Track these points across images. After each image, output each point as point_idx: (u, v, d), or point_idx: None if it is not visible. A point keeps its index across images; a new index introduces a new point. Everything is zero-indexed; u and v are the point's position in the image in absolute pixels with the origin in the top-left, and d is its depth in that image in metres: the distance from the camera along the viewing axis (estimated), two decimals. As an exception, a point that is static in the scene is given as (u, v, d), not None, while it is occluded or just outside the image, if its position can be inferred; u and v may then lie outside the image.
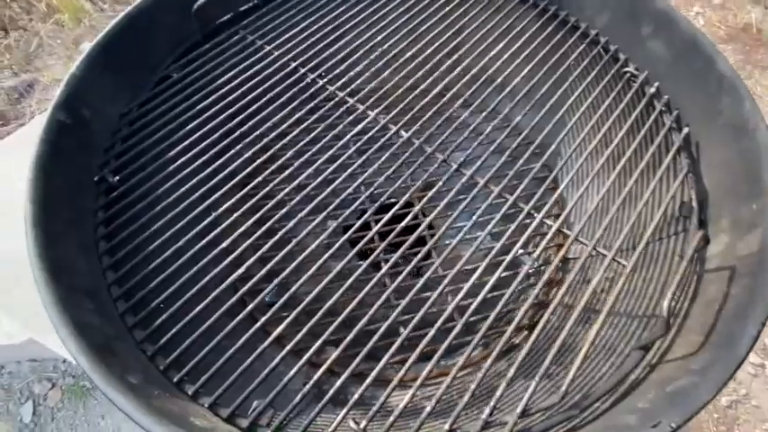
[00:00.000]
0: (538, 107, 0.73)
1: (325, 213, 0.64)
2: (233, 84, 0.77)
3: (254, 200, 0.67)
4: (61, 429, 1.25)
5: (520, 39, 0.82)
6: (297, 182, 0.68)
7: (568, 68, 0.79)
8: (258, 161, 0.70)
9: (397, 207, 0.65)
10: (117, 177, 0.68)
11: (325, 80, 0.77)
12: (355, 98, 0.75)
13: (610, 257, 0.56)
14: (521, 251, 0.83)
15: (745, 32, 2.14)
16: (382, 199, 0.64)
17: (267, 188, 0.68)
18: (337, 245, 0.61)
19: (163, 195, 0.66)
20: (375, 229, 0.63)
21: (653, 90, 0.74)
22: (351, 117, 0.74)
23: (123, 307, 0.58)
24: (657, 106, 0.72)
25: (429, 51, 0.81)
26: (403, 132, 0.70)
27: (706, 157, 0.66)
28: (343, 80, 0.77)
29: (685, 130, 0.69)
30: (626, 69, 0.78)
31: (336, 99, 0.75)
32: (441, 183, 0.64)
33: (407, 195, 0.66)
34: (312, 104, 0.75)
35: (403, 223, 0.62)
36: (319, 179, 0.68)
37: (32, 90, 2.00)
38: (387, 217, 0.63)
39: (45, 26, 2.13)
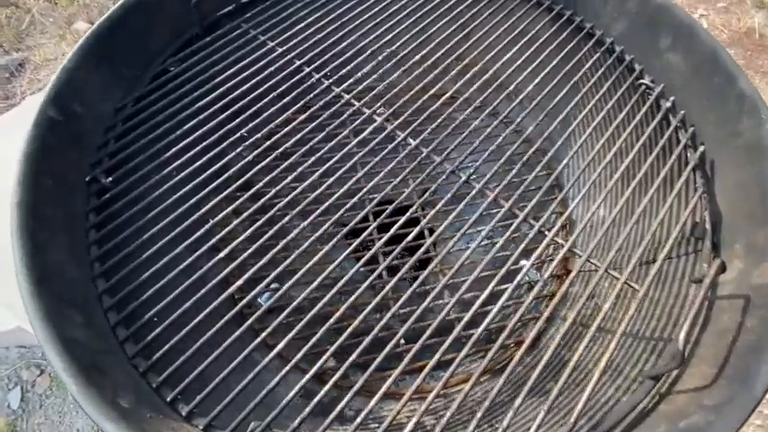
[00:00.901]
0: (550, 117, 0.70)
1: (323, 229, 0.60)
2: (233, 81, 0.73)
3: (253, 207, 0.63)
4: (49, 416, 1.22)
5: (533, 44, 0.78)
6: (297, 191, 0.64)
7: (582, 77, 0.76)
8: (258, 167, 0.66)
9: (400, 223, 0.61)
10: (110, 178, 0.64)
11: (331, 81, 0.73)
12: (361, 102, 0.71)
13: (622, 281, 0.54)
14: (532, 271, 0.81)
15: (748, 37, 2.11)
16: (383, 216, 0.61)
17: (266, 197, 0.64)
18: (337, 261, 0.58)
19: (159, 198, 0.62)
20: (376, 247, 0.60)
21: (668, 104, 0.71)
22: (356, 123, 0.70)
23: (115, 318, 0.54)
24: (673, 122, 0.69)
25: (439, 54, 0.77)
26: (411, 140, 0.67)
27: (721, 178, 0.64)
28: (349, 81, 0.73)
29: (701, 148, 0.66)
30: (641, 81, 0.75)
31: (342, 102, 0.71)
32: (449, 195, 0.61)
33: (412, 210, 0.63)
34: (316, 107, 0.71)
35: (404, 242, 0.59)
36: (320, 190, 0.64)
37: (23, 69, 1.92)
38: (388, 235, 0.60)
39: (38, 3, 2.04)
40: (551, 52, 0.77)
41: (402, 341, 0.58)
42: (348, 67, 0.74)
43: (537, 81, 0.74)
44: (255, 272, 0.58)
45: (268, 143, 0.68)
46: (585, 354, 0.63)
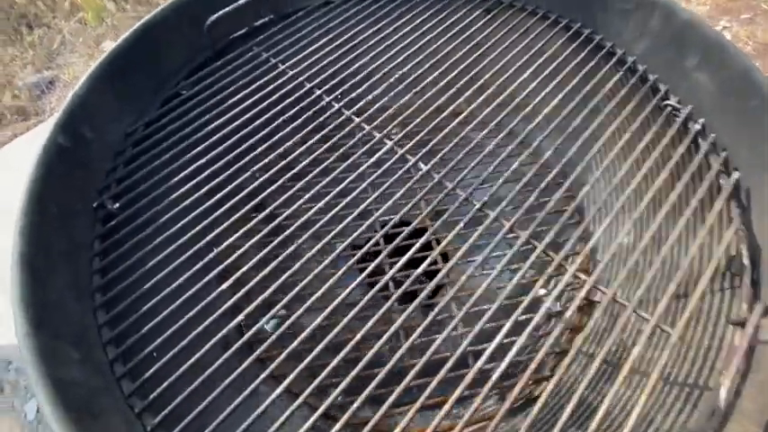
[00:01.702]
0: (570, 140, 0.65)
1: (333, 256, 0.57)
2: (245, 104, 0.71)
3: (259, 235, 0.60)
4: (66, 431, 1.21)
5: (551, 63, 0.74)
6: (306, 217, 0.61)
7: (603, 97, 0.71)
8: (266, 192, 0.63)
9: (412, 252, 0.57)
10: (117, 204, 0.62)
11: (342, 104, 0.70)
12: (372, 125, 0.68)
13: (653, 324, 0.49)
14: (551, 305, 0.76)
15: (774, 50, 2.02)
16: (396, 241, 0.57)
17: (274, 223, 0.61)
18: (349, 289, 0.54)
19: (166, 224, 0.60)
20: (388, 275, 0.56)
21: (698, 127, 0.65)
22: (366, 146, 0.66)
23: (113, 353, 0.51)
24: (703, 145, 0.63)
25: (453, 74, 0.74)
26: (422, 165, 0.63)
27: (759, 208, 0.58)
28: (360, 104, 0.70)
29: (735, 174, 0.60)
30: (667, 102, 0.69)
31: (352, 125, 0.68)
32: (461, 224, 0.57)
33: (424, 238, 0.59)
34: (326, 130, 0.68)
35: (416, 273, 0.55)
36: (330, 214, 0.61)
37: (53, 87, 1.96)
38: (399, 263, 0.56)
39: (68, 24, 2.08)
40: (570, 72, 0.72)
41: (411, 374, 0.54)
42: (359, 90, 0.71)
43: (555, 102, 0.69)
44: (263, 297, 0.55)
45: (276, 168, 0.65)
46: (615, 401, 0.58)
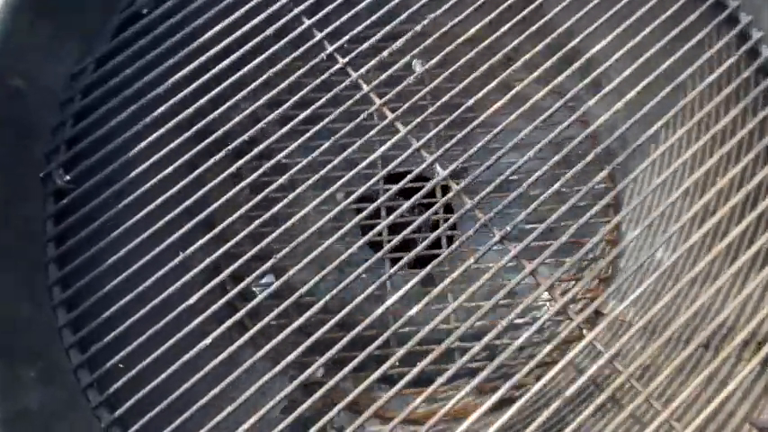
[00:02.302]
0: (630, 107, 0.50)
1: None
2: (225, 24, 0.54)
3: (251, 227, 0.50)
4: None
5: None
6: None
7: (694, 57, 0.53)
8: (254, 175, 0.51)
9: (418, 279, 0.48)
10: (67, 177, 0.51)
11: (346, 60, 0.53)
12: (384, 99, 0.51)
13: (663, 418, 0.41)
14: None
15: None
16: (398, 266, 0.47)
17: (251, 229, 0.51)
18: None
19: (137, 202, 0.50)
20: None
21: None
22: (369, 134, 0.51)
23: (78, 359, 0.47)
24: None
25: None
26: (439, 169, 0.49)
27: None
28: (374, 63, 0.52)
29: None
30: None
31: (359, 95, 0.52)
32: (472, 262, 0.46)
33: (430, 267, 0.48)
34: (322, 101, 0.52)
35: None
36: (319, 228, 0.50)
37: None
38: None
39: None
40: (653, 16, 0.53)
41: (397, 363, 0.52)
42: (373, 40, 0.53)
43: (623, 52, 0.52)
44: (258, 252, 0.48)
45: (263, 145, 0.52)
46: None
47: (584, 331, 0.45)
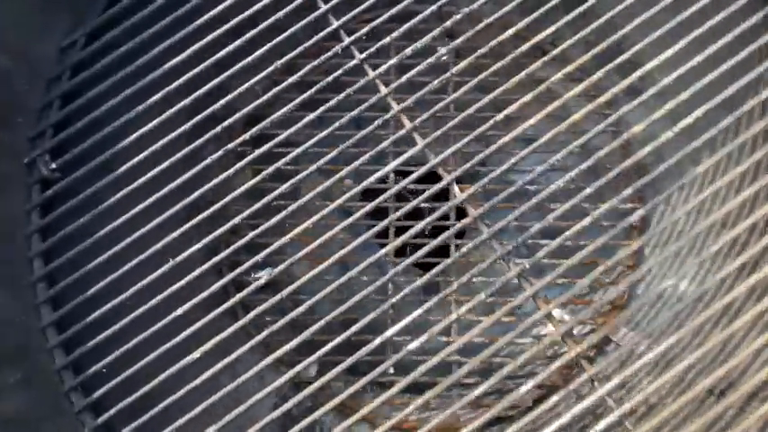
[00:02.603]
0: (674, 114, 0.44)
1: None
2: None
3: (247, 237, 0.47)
4: None
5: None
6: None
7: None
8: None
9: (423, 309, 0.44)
10: (54, 165, 0.47)
11: (364, 55, 0.47)
12: (402, 105, 0.46)
13: None
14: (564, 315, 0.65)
15: None
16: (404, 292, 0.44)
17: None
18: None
19: (130, 196, 0.47)
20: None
21: None
22: (382, 145, 0.46)
23: (62, 361, 0.45)
24: None
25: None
26: (457, 191, 0.44)
27: None
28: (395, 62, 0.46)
29: None
30: None
31: (375, 98, 0.46)
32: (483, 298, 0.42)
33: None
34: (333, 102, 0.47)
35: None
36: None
37: None
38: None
39: None
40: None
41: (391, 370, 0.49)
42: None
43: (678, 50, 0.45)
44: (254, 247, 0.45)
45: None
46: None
47: (585, 363, 0.41)
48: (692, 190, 0.62)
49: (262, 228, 0.46)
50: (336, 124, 0.46)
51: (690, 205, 0.46)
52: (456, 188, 0.43)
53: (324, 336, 0.44)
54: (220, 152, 0.48)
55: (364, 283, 0.46)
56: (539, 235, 0.42)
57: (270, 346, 0.50)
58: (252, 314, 0.45)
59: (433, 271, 0.42)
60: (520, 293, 0.41)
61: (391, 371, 0.55)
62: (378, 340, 0.42)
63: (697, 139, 0.44)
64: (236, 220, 0.46)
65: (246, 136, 0.48)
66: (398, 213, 0.44)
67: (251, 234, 0.47)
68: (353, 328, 0.43)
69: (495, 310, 0.43)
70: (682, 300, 0.57)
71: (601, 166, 0.47)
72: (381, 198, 0.44)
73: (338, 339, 0.43)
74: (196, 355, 0.43)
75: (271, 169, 0.47)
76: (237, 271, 0.46)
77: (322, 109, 0.47)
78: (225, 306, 0.46)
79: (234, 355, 0.44)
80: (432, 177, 0.47)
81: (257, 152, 0.47)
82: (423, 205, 0.44)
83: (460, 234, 0.64)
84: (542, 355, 0.64)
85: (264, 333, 0.45)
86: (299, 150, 0.47)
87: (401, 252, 0.50)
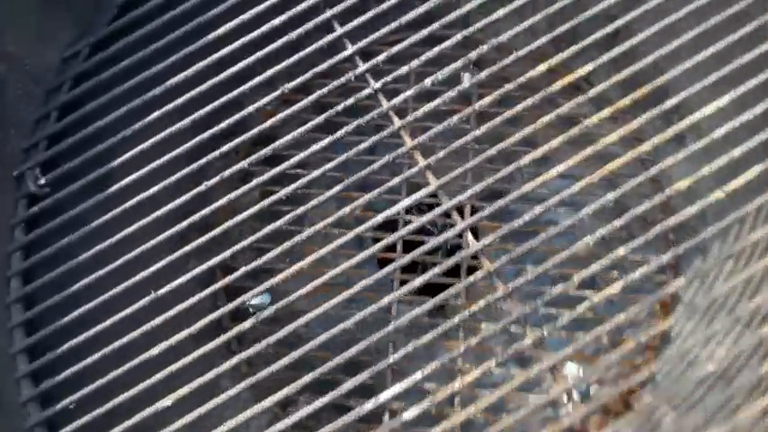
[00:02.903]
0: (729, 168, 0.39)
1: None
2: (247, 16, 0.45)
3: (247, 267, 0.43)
4: None
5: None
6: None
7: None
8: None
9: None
10: (43, 180, 0.44)
11: (379, 84, 0.43)
12: (416, 140, 0.41)
13: None
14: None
15: None
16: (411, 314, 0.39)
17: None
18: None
19: (120, 219, 0.43)
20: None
21: None
22: (392, 182, 0.41)
23: (30, 392, 0.41)
24: None
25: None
26: (470, 239, 0.39)
27: None
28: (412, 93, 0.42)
29: None
30: None
31: (388, 131, 0.42)
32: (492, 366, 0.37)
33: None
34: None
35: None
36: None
37: None
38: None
39: None
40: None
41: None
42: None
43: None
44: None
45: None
46: None
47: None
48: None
49: (268, 256, 0.42)
50: (351, 152, 0.42)
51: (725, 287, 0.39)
52: (470, 236, 0.38)
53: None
54: (217, 177, 0.44)
55: (368, 324, 0.41)
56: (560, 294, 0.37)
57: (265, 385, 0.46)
58: (246, 354, 0.41)
59: (435, 332, 0.37)
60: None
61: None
62: (370, 404, 0.37)
63: (750, 203, 0.38)
64: (240, 245, 0.42)
65: (253, 158, 0.45)
66: (405, 260, 0.40)
67: (258, 261, 0.42)
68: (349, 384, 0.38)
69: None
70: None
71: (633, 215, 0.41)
72: (383, 242, 0.40)
73: (306, 378, 0.37)
74: (167, 402, 0.39)
75: (281, 193, 0.43)
76: (236, 303, 0.42)
77: (334, 137, 0.43)
78: (218, 341, 0.42)
79: (222, 397, 0.39)
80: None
81: (265, 176, 0.44)
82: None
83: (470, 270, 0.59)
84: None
85: (263, 373, 0.40)
86: (315, 174, 0.43)
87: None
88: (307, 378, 0.38)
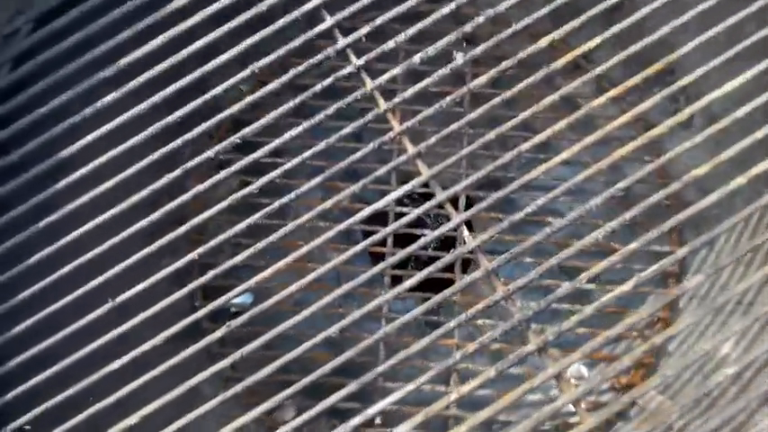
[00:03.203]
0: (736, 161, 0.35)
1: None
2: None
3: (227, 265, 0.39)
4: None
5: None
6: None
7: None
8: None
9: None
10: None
11: (362, 61, 0.38)
12: (405, 124, 0.37)
13: None
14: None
15: None
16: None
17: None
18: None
19: (68, 220, 0.39)
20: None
21: None
22: (380, 171, 0.37)
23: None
24: None
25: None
26: (466, 234, 0.35)
27: None
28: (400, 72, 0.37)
29: None
30: None
31: (371, 115, 0.38)
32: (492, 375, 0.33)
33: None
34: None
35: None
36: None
37: None
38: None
39: None
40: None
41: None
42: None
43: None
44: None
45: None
46: None
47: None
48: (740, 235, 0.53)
49: (250, 251, 0.37)
50: (332, 139, 0.37)
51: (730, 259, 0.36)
52: (465, 232, 0.35)
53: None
54: (179, 170, 0.39)
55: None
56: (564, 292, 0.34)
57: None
58: (224, 362, 0.37)
59: (432, 336, 0.33)
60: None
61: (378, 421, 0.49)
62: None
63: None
64: (216, 240, 0.38)
65: (220, 147, 0.40)
66: (395, 258, 0.36)
67: (234, 259, 0.38)
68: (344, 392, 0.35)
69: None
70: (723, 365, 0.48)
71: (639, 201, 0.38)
72: (374, 238, 0.36)
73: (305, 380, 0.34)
74: (133, 420, 0.35)
75: (260, 183, 0.39)
76: (215, 304, 0.38)
77: (311, 122, 0.38)
78: (196, 347, 0.38)
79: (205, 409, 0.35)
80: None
81: (236, 166, 0.39)
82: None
83: (465, 266, 0.56)
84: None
85: (247, 381, 0.36)
86: (295, 161, 0.38)
87: (399, 280, 0.43)
88: (298, 385, 0.35)
